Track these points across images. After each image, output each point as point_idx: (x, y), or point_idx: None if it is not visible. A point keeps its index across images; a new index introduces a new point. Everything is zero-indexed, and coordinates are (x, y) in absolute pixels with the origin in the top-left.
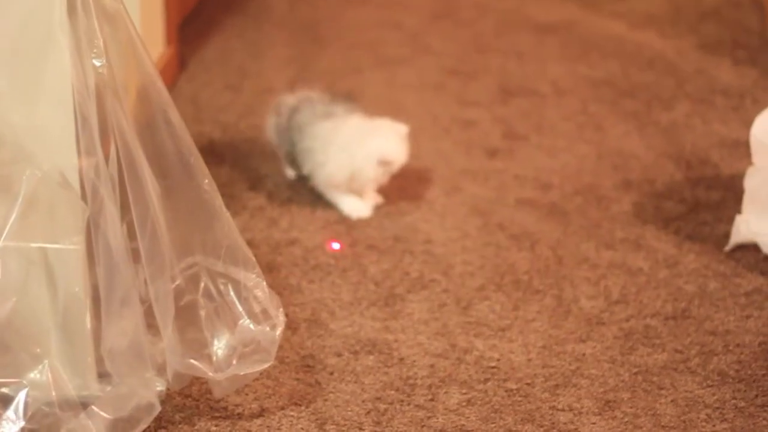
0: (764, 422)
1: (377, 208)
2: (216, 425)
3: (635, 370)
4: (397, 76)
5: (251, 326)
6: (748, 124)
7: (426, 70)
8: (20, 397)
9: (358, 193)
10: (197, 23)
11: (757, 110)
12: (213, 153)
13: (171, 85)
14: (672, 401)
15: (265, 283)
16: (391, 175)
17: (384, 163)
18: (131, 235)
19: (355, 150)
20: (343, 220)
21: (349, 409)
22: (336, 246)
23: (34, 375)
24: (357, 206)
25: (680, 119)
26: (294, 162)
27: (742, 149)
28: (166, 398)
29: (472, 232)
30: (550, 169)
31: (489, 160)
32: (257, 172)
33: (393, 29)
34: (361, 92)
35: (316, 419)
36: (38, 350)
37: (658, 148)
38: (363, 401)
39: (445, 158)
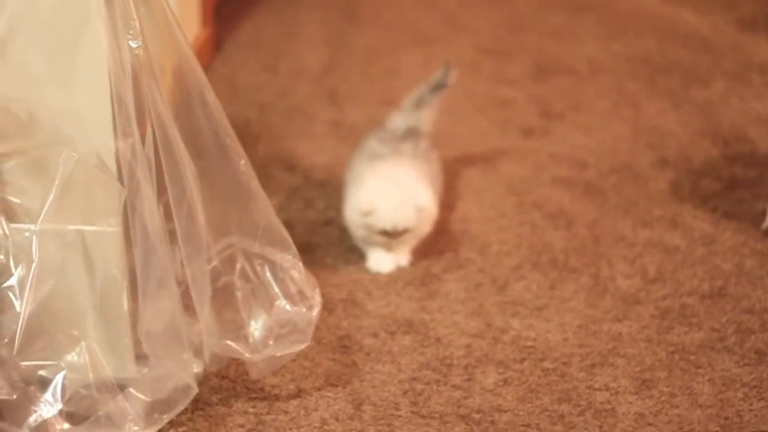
0: None
1: None
2: (253, 406)
3: (672, 348)
4: (433, 55)
5: (288, 307)
6: None
7: (461, 49)
8: (58, 380)
9: (384, 247)
10: (233, 4)
11: None
12: (249, 134)
13: (207, 66)
14: (709, 380)
15: (301, 263)
16: (399, 237)
17: (365, 214)
18: (168, 216)
19: (349, 197)
20: None
21: (385, 389)
22: None
23: (71, 357)
24: (380, 260)
25: (716, 96)
26: None
27: None
28: (203, 380)
29: (508, 210)
30: (586, 147)
31: (525, 139)
32: (293, 152)
33: (428, 8)
34: (398, 72)
35: (353, 400)
36: (75, 332)
37: (694, 126)
38: (399, 381)
39: (481, 137)
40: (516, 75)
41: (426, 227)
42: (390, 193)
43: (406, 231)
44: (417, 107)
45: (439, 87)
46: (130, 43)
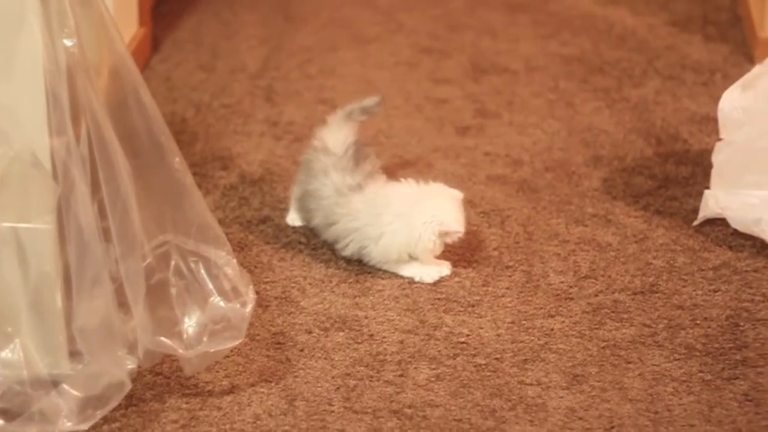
0: (730, 395)
1: None
2: (187, 402)
3: (603, 344)
4: (371, 54)
5: (221, 304)
6: (717, 99)
7: (399, 48)
8: None
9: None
10: (170, 3)
11: (727, 86)
12: (186, 132)
13: (144, 65)
14: (639, 375)
15: (235, 260)
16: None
17: (444, 234)
18: (102, 214)
19: (413, 220)
20: None
21: (318, 385)
22: None
23: (5, 354)
24: (426, 270)
25: (650, 95)
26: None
27: (712, 125)
28: (137, 376)
29: None
30: (521, 145)
31: (460, 138)
32: (229, 151)
33: (366, 7)
34: (335, 71)
35: (286, 395)
36: (9, 329)
37: (628, 124)
38: (333, 377)
39: (417, 136)
40: (452, 74)
41: None
42: (451, 197)
43: None
44: (346, 120)
45: (367, 112)
46: (65, 41)
